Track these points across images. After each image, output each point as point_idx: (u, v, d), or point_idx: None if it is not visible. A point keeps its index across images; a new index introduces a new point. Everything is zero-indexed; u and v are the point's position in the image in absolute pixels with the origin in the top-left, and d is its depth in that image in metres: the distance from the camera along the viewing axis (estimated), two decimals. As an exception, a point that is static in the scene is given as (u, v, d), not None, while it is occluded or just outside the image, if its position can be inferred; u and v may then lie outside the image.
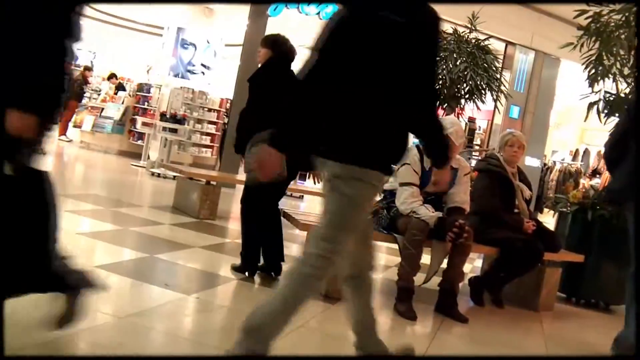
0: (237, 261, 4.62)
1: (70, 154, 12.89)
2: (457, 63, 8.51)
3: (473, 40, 8.73)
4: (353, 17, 2.51)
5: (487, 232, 4.84)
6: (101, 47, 21.61)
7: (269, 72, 4.63)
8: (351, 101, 2.48)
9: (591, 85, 6.32)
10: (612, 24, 6.14)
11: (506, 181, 5.11)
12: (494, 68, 8.84)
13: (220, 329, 3.41)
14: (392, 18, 2.45)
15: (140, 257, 4.70)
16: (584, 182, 15.37)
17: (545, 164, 15.52)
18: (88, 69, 15.81)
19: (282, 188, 4.69)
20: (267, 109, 4.14)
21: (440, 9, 2.57)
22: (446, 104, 8.54)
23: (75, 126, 15.36)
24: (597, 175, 16.80)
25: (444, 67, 8.49)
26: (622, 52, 6.15)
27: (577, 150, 18.11)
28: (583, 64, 6.47)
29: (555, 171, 15.73)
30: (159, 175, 11.06)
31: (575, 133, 19.21)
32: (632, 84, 6.18)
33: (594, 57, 6.32)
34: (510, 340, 4.33)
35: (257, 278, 4.57)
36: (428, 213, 4.36)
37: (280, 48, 4.77)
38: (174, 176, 10.72)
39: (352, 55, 2.48)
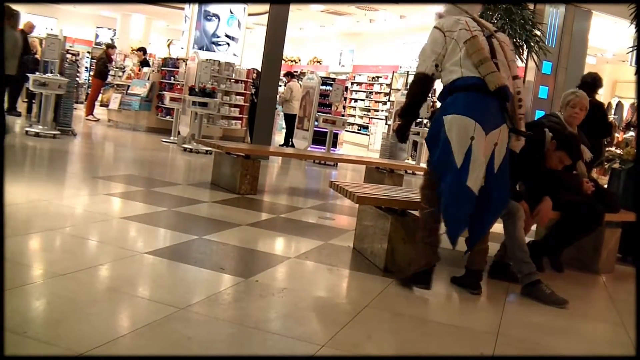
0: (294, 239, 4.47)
1: (98, 134, 12.80)
2: (494, 20, 8.20)
3: (507, -4, 8.40)
4: None
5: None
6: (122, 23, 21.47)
7: None
8: None
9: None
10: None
11: None
12: (530, 23, 8.52)
13: (285, 315, 3.26)
14: None
15: (189, 239, 4.56)
16: (618, 135, 15.00)
17: (579, 119, 15.06)
18: (111, 46, 15.64)
19: None
20: None
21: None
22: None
23: (102, 105, 15.31)
24: (631, 129, 16.38)
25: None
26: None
27: (609, 104, 17.63)
28: (630, 15, 6.20)
29: (590, 126, 15.24)
30: (190, 150, 10.97)
31: (606, 86, 18.70)
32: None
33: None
34: (580, 307, 4.16)
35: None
36: None
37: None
38: (207, 150, 10.64)
39: None
